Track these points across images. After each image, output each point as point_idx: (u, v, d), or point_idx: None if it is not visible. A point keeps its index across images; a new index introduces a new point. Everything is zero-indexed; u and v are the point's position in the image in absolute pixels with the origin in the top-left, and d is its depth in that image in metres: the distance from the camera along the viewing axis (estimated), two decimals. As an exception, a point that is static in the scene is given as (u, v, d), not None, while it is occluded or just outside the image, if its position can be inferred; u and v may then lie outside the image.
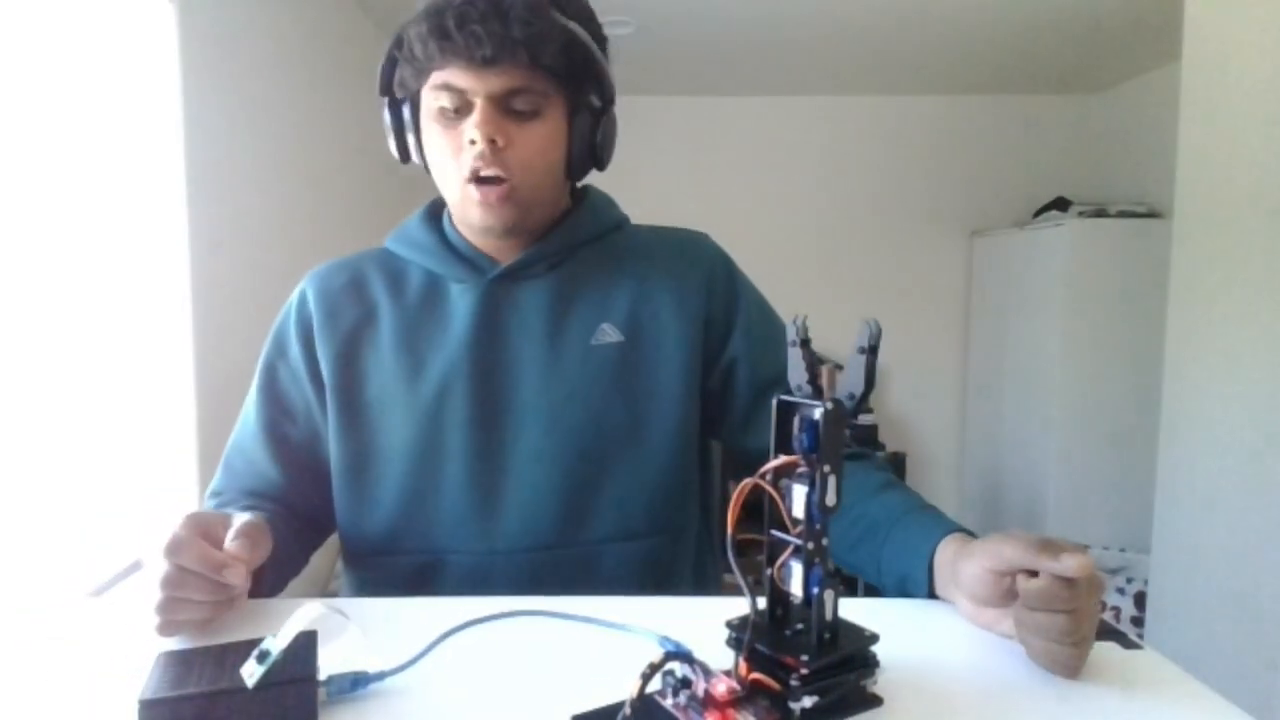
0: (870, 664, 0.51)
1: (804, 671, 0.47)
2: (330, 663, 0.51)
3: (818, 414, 0.48)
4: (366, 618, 0.62)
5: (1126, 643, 0.60)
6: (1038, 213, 3.52)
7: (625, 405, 0.81)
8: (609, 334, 0.82)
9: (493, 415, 0.79)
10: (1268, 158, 1.70)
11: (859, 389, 0.49)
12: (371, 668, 0.52)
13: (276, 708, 0.47)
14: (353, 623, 0.52)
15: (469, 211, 0.77)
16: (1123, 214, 3.15)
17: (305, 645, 0.50)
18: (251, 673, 0.46)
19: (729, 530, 0.49)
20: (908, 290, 3.87)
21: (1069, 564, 0.51)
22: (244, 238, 1.94)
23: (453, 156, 0.75)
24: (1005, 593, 0.57)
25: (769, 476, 0.50)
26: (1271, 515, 1.68)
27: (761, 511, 0.51)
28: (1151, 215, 3.14)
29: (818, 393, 0.50)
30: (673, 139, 3.76)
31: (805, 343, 0.51)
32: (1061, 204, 3.43)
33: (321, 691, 0.49)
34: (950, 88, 3.68)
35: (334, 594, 2.63)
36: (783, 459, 0.50)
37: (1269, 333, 1.70)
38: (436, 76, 0.74)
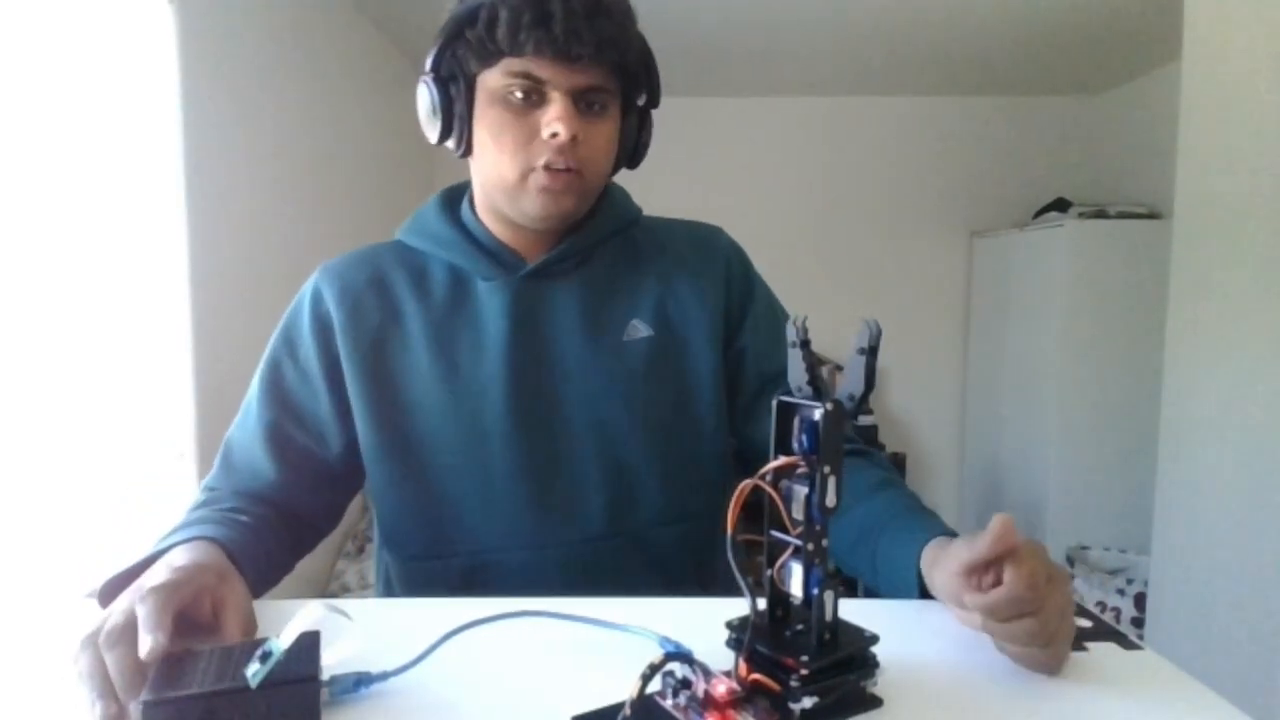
0: (870, 664, 0.51)
1: (804, 672, 0.47)
2: (333, 663, 0.51)
3: (818, 415, 0.48)
4: (369, 618, 0.62)
5: (1126, 643, 0.60)
6: (1038, 213, 3.52)
7: (661, 397, 0.82)
8: (639, 329, 0.83)
9: (536, 415, 0.79)
10: (1268, 158, 1.70)
11: (859, 390, 0.49)
12: (374, 668, 0.52)
13: (279, 708, 0.47)
14: (355, 623, 0.52)
15: (525, 201, 0.76)
16: (1123, 214, 3.16)
17: (308, 645, 0.50)
18: (254, 673, 0.46)
19: (729, 530, 0.49)
20: (908, 290, 3.87)
21: (979, 548, 0.53)
22: (243, 237, 1.95)
23: (520, 145, 0.73)
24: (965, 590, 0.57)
25: (769, 477, 0.50)
26: (1271, 515, 1.69)
27: (762, 512, 0.52)
28: (1151, 216, 3.14)
29: (818, 393, 0.50)
30: (672, 140, 3.74)
31: (805, 343, 0.51)
32: (1061, 205, 3.44)
33: (324, 691, 0.49)
34: (950, 88, 3.68)
35: (334, 594, 2.62)
36: (783, 459, 0.50)
37: (1269, 333, 1.70)
38: (514, 63, 0.72)
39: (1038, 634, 0.52)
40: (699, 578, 0.84)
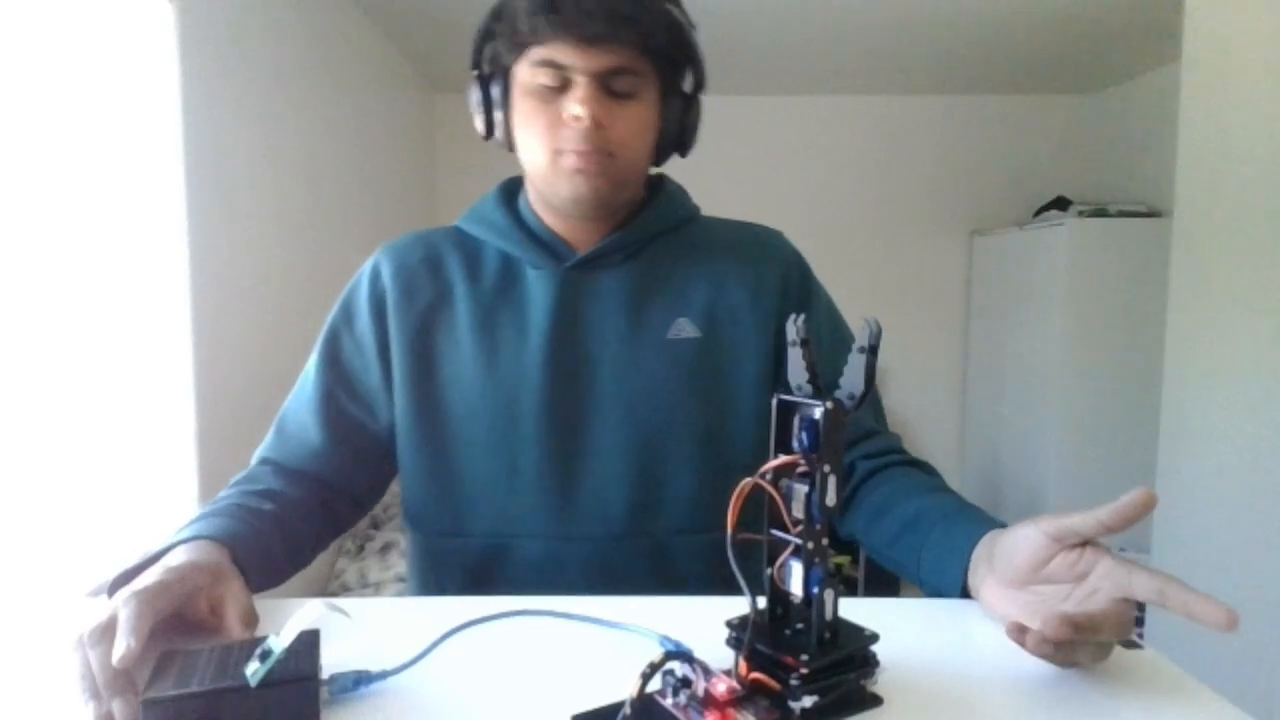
0: (870, 664, 0.51)
1: (804, 671, 0.47)
2: (332, 662, 0.51)
3: (818, 413, 0.48)
4: (368, 617, 0.62)
5: (1127, 643, 0.60)
6: (1038, 212, 3.52)
7: (699, 402, 0.81)
8: (686, 329, 0.82)
9: (569, 404, 0.80)
10: (1268, 158, 1.70)
11: (859, 389, 0.49)
12: (373, 667, 0.52)
13: (279, 706, 0.47)
14: (354, 622, 0.52)
15: (559, 184, 0.76)
16: (1123, 213, 3.16)
17: (307, 644, 0.50)
18: (254, 671, 0.46)
19: (729, 530, 0.49)
20: (908, 290, 3.87)
21: (1123, 510, 0.53)
22: (243, 237, 1.95)
23: (548, 131, 0.74)
24: (1040, 565, 0.57)
25: (769, 476, 0.50)
26: (1271, 515, 1.69)
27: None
28: (1152, 215, 3.14)
29: (818, 392, 0.50)
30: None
31: (805, 342, 0.51)
32: (1062, 203, 3.44)
33: (324, 690, 0.49)
34: (950, 88, 3.68)
35: (334, 594, 2.62)
36: (783, 458, 0.50)
37: (1269, 332, 1.70)
38: (537, 52, 0.73)
39: (1101, 653, 0.53)
40: (719, 591, 0.83)
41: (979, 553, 0.64)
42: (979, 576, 0.63)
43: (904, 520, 0.73)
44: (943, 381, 3.89)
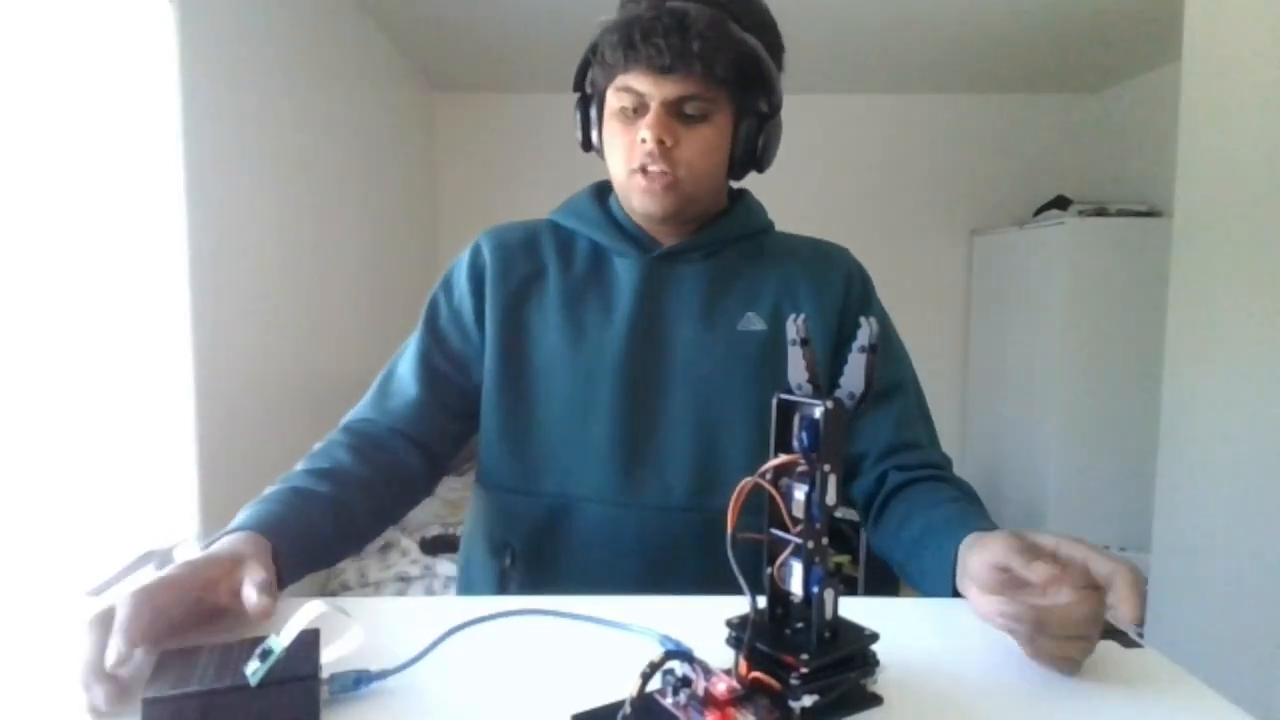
0: (870, 663, 0.51)
1: (804, 670, 0.47)
2: (332, 661, 0.51)
3: (818, 413, 0.48)
4: (368, 616, 0.62)
5: (1126, 642, 0.60)
6: (1038, 211, 3.52)
7: (760, 391, 0.84)
8: (754, 322, 0.88)
9: (643, 381, 0.86)
10: (1268, 158, 1.70)
11: (859, 388, 0.49)
12: (374, 666, 0.52)
13: (279, 706, 0.47)
14: (355, 621, 0.52)
15: (632, 196, 0.86)
16: (1123, 213, 3.16)
17: (308, 643, 0.50)
18: (254, 671, 0.46)
19: (729, 529, 0.49)
20: (908, 289, 3.87)
21: (1035, 570, 0.54)
22: (243, 236, 1.95)
23: (626, 149, 0.84)
24: (1003, 585, 0.59)
25: (769, 475, 0.50)
26: (1271, 515, 1.69)
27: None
28: (1151, 214, 3.14)
29: (818, 391, 0.50)
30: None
31: (805, 342, 0.51)
32: (1061, 203, 3.44)
33: (324, 690, 0.49)
34: (950, 87, 3.68)
35: (334, 593, 2.62)
36: (783, 458, 0.50)
37: (1269, 332, 1.70)
38: (621, 79, 0.82)
39: (1081, 652, 0.54)
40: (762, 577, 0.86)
41: (961, 553, 0.66)
42: (964, 583, 0.65)
43: (912, 536, 0.76)
44: (943, 381, 3.89)
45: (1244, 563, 1.75)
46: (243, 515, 0.71)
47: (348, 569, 2.42)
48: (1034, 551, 0.56)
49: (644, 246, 0.90)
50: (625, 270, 0.89)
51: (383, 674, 0.52)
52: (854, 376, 0.49)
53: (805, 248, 0.97)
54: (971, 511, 0.74)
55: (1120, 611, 0.53)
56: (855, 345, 0.49)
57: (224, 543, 0.66)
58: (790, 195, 3.84)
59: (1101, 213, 3.17)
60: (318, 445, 0.86)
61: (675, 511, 0.84)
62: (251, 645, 0.49)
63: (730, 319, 0.88)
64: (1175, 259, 1.97)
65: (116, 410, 1.51)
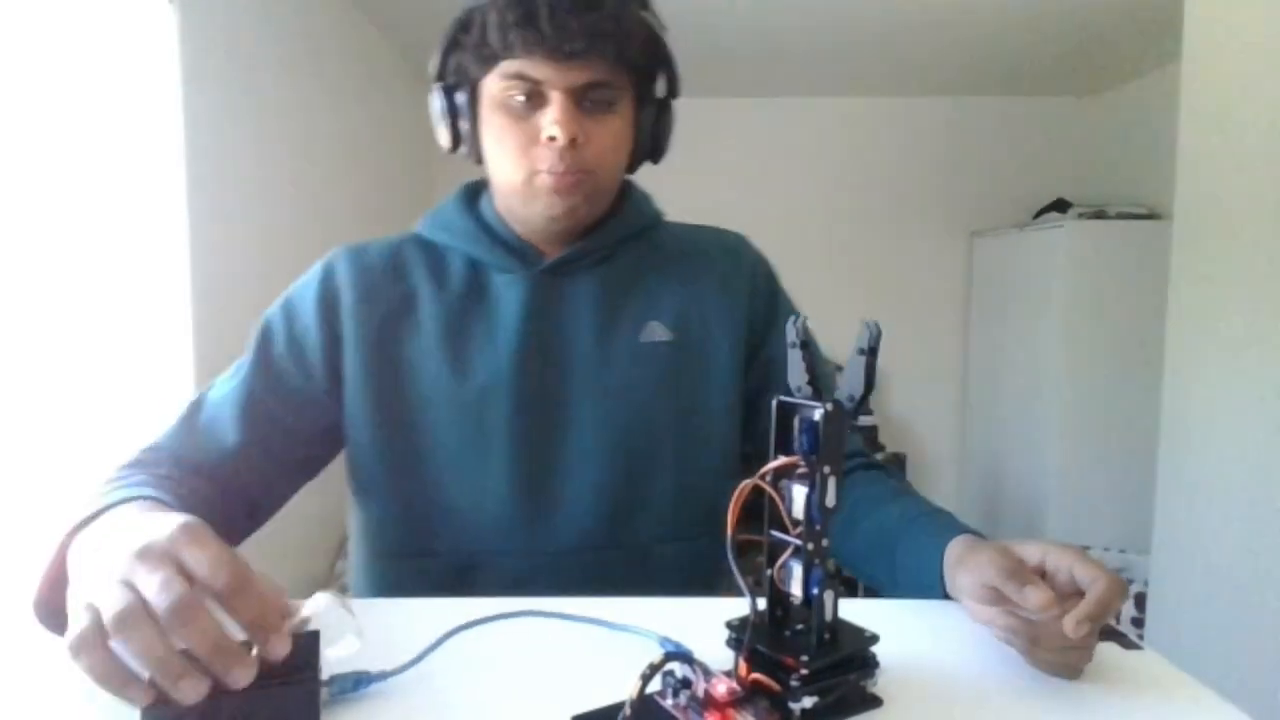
0: (870, 664, 0.51)
1: (804, 672, 0.47)
2: (332, 662, 0.51)
3: (817, 415, 0.48)
4: (369, 618, 0.62)
5: (1126, 643, 0.60)
6: (1038, 214, 3.52)
7: (673, 405, 0.80)
8: (658, 332, 0.80)
9: (540, 412, 0.77)
10: (1268, 158, 1.70)
11: (858, 390, 0.49)
12: (373, 667, 0.52)
13: (279, 707, 0.47)
14: (356, 621, 0.52)
15: (534, 203, 0.75)
16: (1122, 215, 3.16)
17: (308, 645, 0.50)
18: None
19: (729, 531, 0.49)
20: (908, 291, 3.87)
21: (1029, 598, 0.51)
22: (244, 235, 1.95)
23: (519, 149, 0.73)
24: (996, 598, 0.57)
25: (769, 477, 0.50)
26: (1272, 515, 1.69)
27: (762, 513, 0.52)
28: (1151, 216, 3.14)
29: (818, 394, 0.50)
30: (672, 140, 3.77)
31: (804, 344, 0.51)
32: (1061, 205, 3.44)
33: (324, 691, 0.49)
34: (951, 89, 3.68)
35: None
36: (782, 460, 0.50)
37: (1269, 333, 1.70)
38: (508, 65, 0.71)
39: (1081, 660, 0.54)
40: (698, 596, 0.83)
41: (949, 567, 0.63)
42: (955, 593, 0.63)
43: (869, 536, 0.73)
44: (943, 382, 3.89)
45: (1244, 563, 1.75)
46: (125, 493, 0.58)
47: (347, 572, 2.42)
48: (1023, 574, 0.53)
49: (527, 259, 0.79)
50: (508, 289, 0.79)
51: (383, 675, 0.52)
52: (854, 379, 0.49)
53: (704, 243, 0.88)
54: (930, 510, 0.72)
55: (1048, 610, 0.50)
56: (855, 347, 0.49)
57: (186, 526, 0.46)
58: (791, 197, 3.85)
59: (1101, 215, 3.17)
60: (127, 459, 0.70)
61: (591, 551, 0.76)
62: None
63: (631, 330, 0.80)
64: (1175, 262, 1.97)
65: (116, 410, 1.51)
